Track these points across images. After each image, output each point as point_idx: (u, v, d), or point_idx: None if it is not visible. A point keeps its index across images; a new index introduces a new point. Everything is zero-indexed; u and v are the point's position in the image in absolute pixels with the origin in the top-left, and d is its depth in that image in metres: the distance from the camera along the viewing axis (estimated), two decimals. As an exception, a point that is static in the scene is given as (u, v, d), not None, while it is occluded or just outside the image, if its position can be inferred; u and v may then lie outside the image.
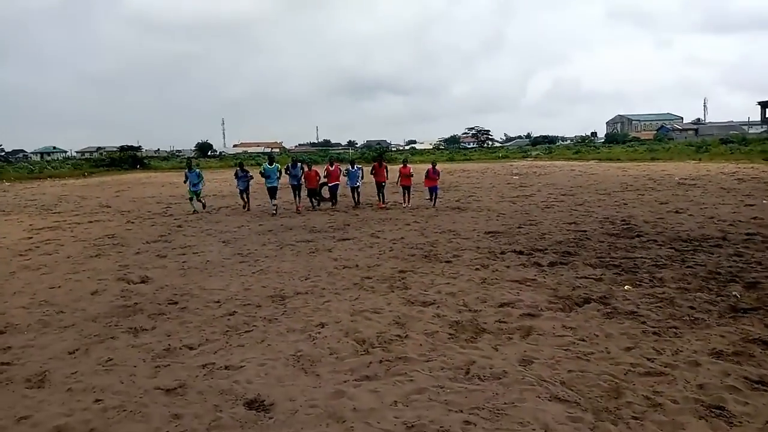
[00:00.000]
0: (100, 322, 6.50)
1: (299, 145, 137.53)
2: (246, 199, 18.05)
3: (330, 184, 17.95)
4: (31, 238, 13.26)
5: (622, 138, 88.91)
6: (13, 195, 28.06)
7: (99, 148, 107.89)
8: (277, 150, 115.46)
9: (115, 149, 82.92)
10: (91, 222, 15.80)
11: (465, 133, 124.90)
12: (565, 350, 5.21)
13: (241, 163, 19.03)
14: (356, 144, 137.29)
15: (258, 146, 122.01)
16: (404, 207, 17.14)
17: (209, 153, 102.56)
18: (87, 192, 27.14)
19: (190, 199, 17.68)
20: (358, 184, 17.89)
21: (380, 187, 17.95)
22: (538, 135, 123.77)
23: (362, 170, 18.39)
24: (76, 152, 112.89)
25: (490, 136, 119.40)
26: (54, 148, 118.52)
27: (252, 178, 17.88)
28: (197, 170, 17.90)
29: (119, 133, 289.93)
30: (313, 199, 17.96)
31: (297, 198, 17.48)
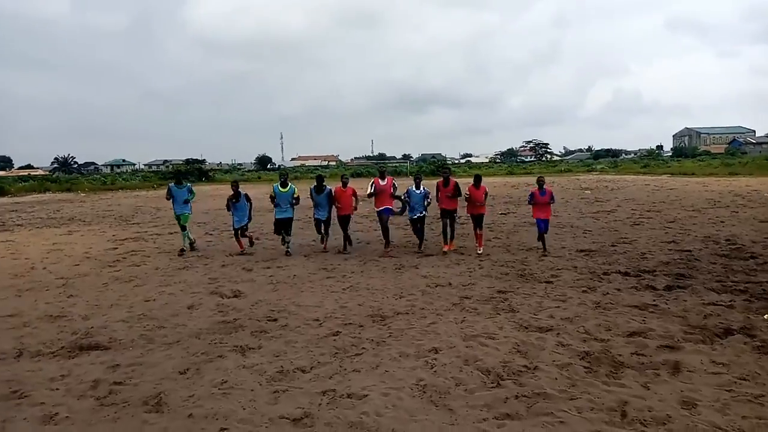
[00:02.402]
0: (204, 339, 6.29)
1: (355, 158, 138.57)
2: (248, 240, 12.67)
3: (380, 209, 12.02)
4: (116, 248, 13.49)
5: (691, 152, 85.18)
6: (90, 206, 29.18)
7: (165, 161, 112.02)
8: (334, 163, 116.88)
9: (180, 162, 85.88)
10: (171, 233, 16.01)
11: (522, 147, 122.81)
12: (728, 391, 4.56)
13: (235, 181, 12.77)
14: (411, 157, 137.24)
15: (315, 159, 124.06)
16: (478, 251, 11.60)
17: (268, 166, 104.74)
18: (160, 203, 27.82)
19: (183, 229, 12.56)
20: (424, 212, 11.89)
21: (450, 216, 11.77)
22: (600, 148, 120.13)
23: (429, 194, 11.88)
24: (144, 165, 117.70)
25: (548, 150, 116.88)
26: (123, 160, 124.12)
27: (251, 205, 12.41)
28: (188, 185, 12.94)
29: (183, 147, 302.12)
30: (345, 235, 12.22)
31: (324, 236, 12.31)
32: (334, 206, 12.09)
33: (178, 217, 12.61)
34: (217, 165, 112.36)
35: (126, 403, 4.62)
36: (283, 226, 11.97)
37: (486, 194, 11.83)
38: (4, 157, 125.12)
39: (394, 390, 4.77)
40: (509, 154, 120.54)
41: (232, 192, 12.15)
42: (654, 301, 7.42)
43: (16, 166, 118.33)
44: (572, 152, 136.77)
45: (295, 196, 11.98)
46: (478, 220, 11.81)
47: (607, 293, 7.95)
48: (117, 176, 70.54)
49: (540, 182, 11.61)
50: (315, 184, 12.12)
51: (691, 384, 4.74)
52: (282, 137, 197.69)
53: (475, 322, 6.72)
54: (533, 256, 11.17)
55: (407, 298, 8.05)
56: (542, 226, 11.47)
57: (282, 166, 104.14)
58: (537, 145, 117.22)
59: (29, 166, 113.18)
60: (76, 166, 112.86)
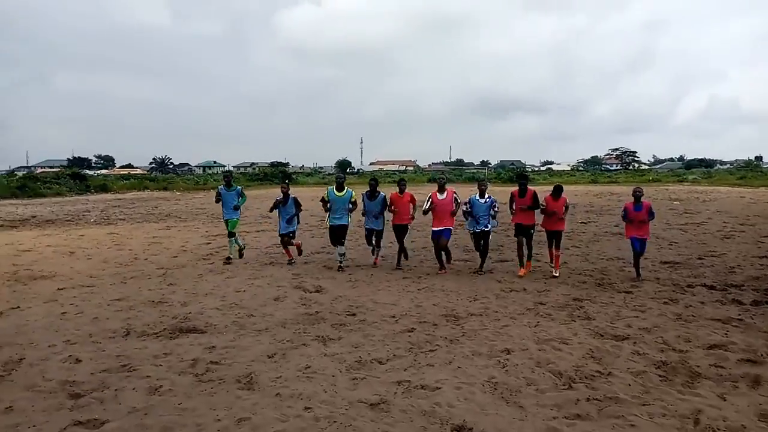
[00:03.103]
0: (289, 328, 6.76)
1: (432, 164, 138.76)
2: (296, 248, 11.47)
3: (437, 229, 10.32)
4: (209, 243, 14.49)
5: (796, 163, 78.55)
6: (185, 204, 31.17)
7: (253, 164, 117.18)
8: (411, 168, 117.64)
9: (266, 165, 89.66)
10: (258, 231, 16.95)
11: (608, 155, 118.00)
12: (812, 408, 4.43)
13: (286, 181, 12.30)
14: (489, 164, 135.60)
15: (393, 164, 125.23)
16: (554, 274, 10.04)
17: (348, 170, 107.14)
18: (247, 203, 29.32)
19: (230, 235, 11.62)
20: (489, 226, 10.24)
21: (526, 233, 10.14)
22: (692, 158, 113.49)
23: (496, 203, 10.34)
24: (233, 166, 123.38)
25: (636, 158, 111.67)
26: (214, 162, 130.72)
27: (299, 210, 11.23)
28: (238, 188, 11.95)
29: (269, 150, 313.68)
30: (402, 252, 10.98)
31: (375, 248, 11.13)
32: (386, 214, 10.89)
33: (226, 222, 11.69)
34: (300, 168, 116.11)
35: (221, 381, 5.12)
36: (339, 235, 10.72)
37: (567, 207, 10.13)
38: (108, 156, 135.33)
39: (466, 385, 4.99)
40: (593, 162, 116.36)
41: (282, 194, 11.08)
42: (739, 315, 7.17)
43: (117, 165, 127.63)
44: (662, 161, 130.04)
45: (353, 200, 10.74)
46: (555, 238, 10.09)
47: (690, 306, 7.75)
48: (209, 177, 74.63)
49: (636, 195, 9.75)
50: (368, 189, 10.91)
51: (772, 399, 4.63)
52: (362, 142, 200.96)
53: (549, 327, 6.79)
54: (613, 266, 10.97)
55: (481, 300, 8.21)
56: (637, 246, 9.70)
57: (361, 170, 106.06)
58: (624, 152, 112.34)
59: (129, 165, 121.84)
60: (171, 166, 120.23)
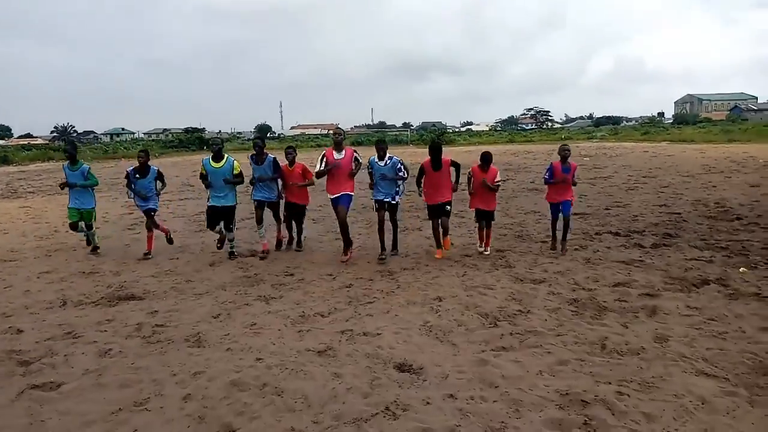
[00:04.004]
0: (230, 291, 6.95)
1: (354, 127, 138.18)
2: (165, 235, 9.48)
3: (334, 196, 8.42)
4: (132, 213, 14.08)
5: (692, 119, 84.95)
6: (96, 174, 29.60)
7: (165, 130, 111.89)
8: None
9: (180, 131, 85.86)
10: (182, 200, 16.60)
11: (523, 114, 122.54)
12: (697, 329, 5.22)
13: (144, 151, 9.44)
14: (411, 126, 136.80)
15: (315, 128, 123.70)
16: (482, 250, 8.78)
17: (268, 135, 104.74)
18: (166, 171, 28.35)
19: (75, 227, 9.20)
20: (395, 197, 8.54)
21: (441, 212, 8.40)
22: (601, 116, 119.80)
23: (403, 166, 8.47)
24: (144, 134, 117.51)
25: (549, 117, 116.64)
26: (123, 129, 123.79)
27: (162, 182, 9.41)
28: (85, 166, 9.51)
29: (182, 116, 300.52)
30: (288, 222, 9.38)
31: (280, 223, 9.43)
32: (280, 192, 9.04)
33: (74, 214, 9.20)
34: (217, 133, 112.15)
35: (170, 341, 5.28)
36: (220, 217, 8.56)
37: (497, 181, 8.66)
38: (3, 126, 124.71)
39: (403, 330, 5.44)
40: (510, 122, 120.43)
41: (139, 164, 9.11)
42: (640, 257, 8.06)
43: (15, 135, 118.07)
44: (573, 120, 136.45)
45: (236, 172, 8.57)
46: (486, 218, 8.67)
47: (598, 251, 8.59)
48: (118, 145, 70.75)
49: (564, 154, 8.58)
50: (253, 152, 8.87)
51: (665, 324, 5.39)
52: (281, 106, 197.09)
53: (475, 276, 7.36)
54: (531, 219, 11.77)
55: (412, 257, 8.67)
56: (564, 209, 8.55)
57: (281, 135, 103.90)
58: (538, 112, 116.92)
59: (29, 135, 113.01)
60: (75, 135, 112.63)
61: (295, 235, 9.52)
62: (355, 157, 8.50)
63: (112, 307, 6.43)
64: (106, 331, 5.61)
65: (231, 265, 8.33)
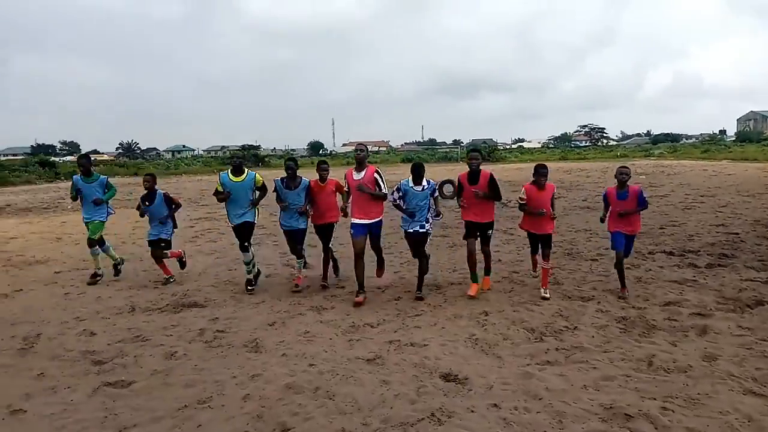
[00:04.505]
0: (285, 301, 7.29)
1: (405, 143, 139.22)
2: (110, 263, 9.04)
3: (353, 222, 7.33)
4: (193, 227, 14.81)
5: (756, 136, 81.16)
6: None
7: (223, 147, 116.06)
8: (384, 149, 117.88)
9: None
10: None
11: (577, 131, 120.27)
12: (748, 349, 5.16)
13: (150, 175, 8.99)
14: (461, 143, 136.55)
15: (366, 145, 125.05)
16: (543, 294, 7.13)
17: (320, 152, 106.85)
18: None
19: (91, 245, 8.74)
20: (426, 226, 7.24)
21: (480, 233, 7.34)
22: (659, 133, 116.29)
23: (436, 190, 7.31)
24: (203, 150, 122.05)
25: (604, 134, 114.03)
26: (183, 146, 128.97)
27: (172, 207, 8.88)
28: (103, 177, 9.17)
29: (239, 133, 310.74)
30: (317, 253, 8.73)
31: (303, 261, 8.27)
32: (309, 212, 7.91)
33: (93, 228, 8.87)
34: (272, 151, 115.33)
35: (230, 346, 5.64)
36: (242, 237, 7.90)
37: (554, 199, 7.26)
38: (72, 142, 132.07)
39: (450, 342, 5.61)
40: (563, 139, 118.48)
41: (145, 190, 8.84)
42: (694, 277, 7.93)
43: (83, 151, 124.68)
44: (630, 137, 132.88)
45: (258, 185, 7.95)
46: (543, 243, 7.28)
47: (650, 270, 8.49)
48: (179, 161, 73.79)
49: (622, 178, 7.03)
50: (284, 176, 7.85)
51: (715, 343, 5.35)
52: (333, 123, 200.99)
53: (522, 292, 7.44)
54: (581, 237, 11.69)
55: (459, 271, 8.80)
56: (621, 243, 7.09)
57: (333, 152, 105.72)
58: (592, 129, 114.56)
59: (95, 152, 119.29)
60: (139, 151, 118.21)
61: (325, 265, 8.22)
62: (376, 179, 7.21)
63: (177, 313, 6.87)
64: (171, 335, 6.04)
65: (286, 276, 8.70)
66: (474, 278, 7.38)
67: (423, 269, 7.49)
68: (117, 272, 9.00)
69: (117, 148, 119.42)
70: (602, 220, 7.50)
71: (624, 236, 7.17)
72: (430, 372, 4.86)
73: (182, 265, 9.04)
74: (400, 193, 7.27)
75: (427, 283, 7.95)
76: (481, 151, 7.66)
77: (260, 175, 8.10)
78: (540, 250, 7.41)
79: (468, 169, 7.28)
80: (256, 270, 8.18)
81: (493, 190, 7.18)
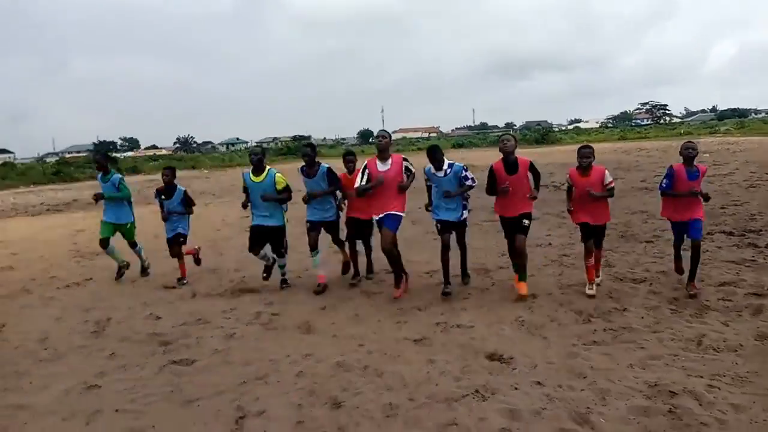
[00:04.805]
0: (335, 286, 7.55)
1: (456, 128, 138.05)
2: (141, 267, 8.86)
3: (378, 217, 6.80)
4: (248, 217, 15.06)
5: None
6: (215, 181, 32.24)
7: (275, 138, 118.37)
8: (435, 134, 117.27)
9: (288, 139, 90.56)
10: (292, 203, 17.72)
11: (638, 109, 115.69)
12: (806, 330, 5.02)
13: (169, 168, 8.56)
14: (515, 125, 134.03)
15: (416, 131, 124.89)
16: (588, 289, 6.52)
17: (370, 140, 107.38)
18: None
19: (106, 244, 8.46)
20: (462, 214, 6.93)
21: (518, 228, 6.60)
22: (726, 108, 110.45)
23: (467, 173, 6.65)
24: (256, 142, 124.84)
25: (667, 111, 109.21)
26: (237, 139, 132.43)
27: (189, 206, 8.42)
28: (117, 176, 8.47)
29: (290, 124, 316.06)
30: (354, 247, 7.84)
31: (344, 247, 7.99)
32: (340, 203, 7.67)
33: (106, 229, 8.61)
34: (322, 140, 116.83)
35: (284, 328, 5.96)
36: (265, 239, 7.45)
37: (607, 185, 6.43)
38: (132, 138, 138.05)
39: (496, 323, 5.70)
40: (622, 118, 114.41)
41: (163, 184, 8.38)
42: (753, 257, 7.67)
43: (142, 146, 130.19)
44: (694, 113, 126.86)
45: (280, 188, 7.28)
46: (595, 235, 6.59)
47: (707, 250, 8.23)
48: (233, 154, 75.95)
49: (688, 153, 6.29)
50: (304, 163, 7.29)
51: (770, 323, 5.22)
52: (383, 111, 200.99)
53: (571, 275, 7.41)
54: (637, 219, 11.42)
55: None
56: (693, 230, 6.28)
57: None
58: (654, 106, 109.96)
59: (154, 147, 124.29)
60: (195, 145, 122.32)
61: (353, 258, 7.85)
62: (406, 166, 6.73)
63: (235, 298, 7.25)
64: (230, 318, 6.40)
65: (335, 263, 8.96)
66: (522, 276, 6.70)
67: (463, 261, 7.39)
68: (120, 275, 8.69)
69: (174, 143, 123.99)
70: (662, 193, 6.59)
71: (690, 224, 6.34)
72: (476, 352, 4.98)
73: (197, 262, 8.93)
74: (427, 182, 6.92)
75: (474, 268, 8.02)
76: (515, 137, 6.74)
77: (281, 175, 7.36)
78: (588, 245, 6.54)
79: (501, 157, 6.50)
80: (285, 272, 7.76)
81: (536, 178, 6.59)
